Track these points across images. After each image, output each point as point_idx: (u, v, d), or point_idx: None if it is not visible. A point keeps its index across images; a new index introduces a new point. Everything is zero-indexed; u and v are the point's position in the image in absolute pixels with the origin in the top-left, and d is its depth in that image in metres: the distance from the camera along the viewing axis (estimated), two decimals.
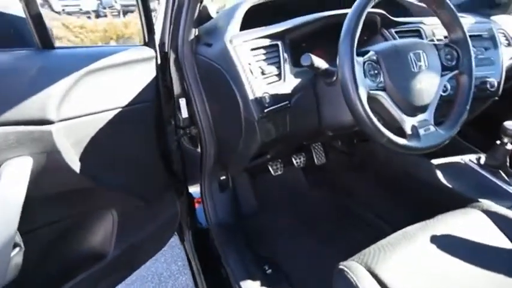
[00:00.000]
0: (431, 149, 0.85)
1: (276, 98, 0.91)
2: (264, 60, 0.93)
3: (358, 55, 0.80)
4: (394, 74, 0.81)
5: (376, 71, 0.80)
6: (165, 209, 1.25)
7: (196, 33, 1.09)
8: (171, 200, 1.26)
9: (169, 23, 1.09)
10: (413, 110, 0.84)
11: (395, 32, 1.16)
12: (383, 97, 0.81)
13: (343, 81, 0.75)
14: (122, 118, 0.95)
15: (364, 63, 0.79)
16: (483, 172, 1.19)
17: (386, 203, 1.52)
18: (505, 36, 1.39)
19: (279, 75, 0.94)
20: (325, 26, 1.06)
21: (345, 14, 1.07)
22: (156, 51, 1.03)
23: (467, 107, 0.91)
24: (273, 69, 0.94)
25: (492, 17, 1.56)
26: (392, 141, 0.79)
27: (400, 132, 0.84)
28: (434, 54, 0.88)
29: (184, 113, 1.19)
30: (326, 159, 1.80)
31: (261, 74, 0.91)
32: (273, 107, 0.90)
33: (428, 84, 0.85)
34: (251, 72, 0.89)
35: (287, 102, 0.93)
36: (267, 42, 0.96)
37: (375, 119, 0.76)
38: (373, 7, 1.11)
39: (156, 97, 1.02)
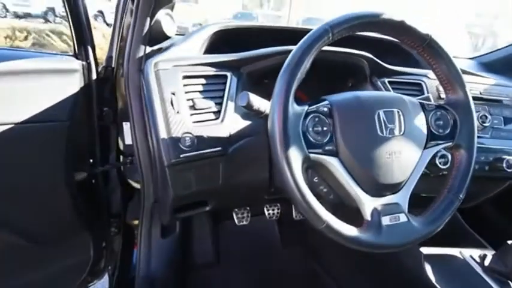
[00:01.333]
0: (396, 249, 0.60)
1: (204, 142, 0.70)
2: (200, 92, 0.74)
3: (303, 103, 0.58)
4: (351, 135, 0.59)
5: (325, 128, 0.58)
6: (69, 253, 1.03)
7: (147, 51, 0.93)
8: (82, 242, 1.05)
9: (117, 36, 0.93)
10: (378, 188, 0.61)
11: (390, 83, 0.94)
12: (333, 165, 0.58)
13: (270, 134, 0.54)
14: (26, 135, 0.78)
15: (307, 114, 0.57)
16: (485, 277, 0.90)
17: (359, 283, 1.23)
18: None
19: (217, 113, 0.74)
20: None
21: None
22: (89, 64, 0.86)
23: (461, 196, 0.66)
24: (210, 105, 0.74)
25: None
26: (334, 230, 0.55)
27: (356, 217, 0.61)
28: (418, 117, 0.64)
29: (128, 140, 1.01)
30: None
31: (188, 109, 0.71)
32: (196, 153, 0.69)
33: (404, 157, 0.61)
34: (171, 104, 0.69)
35: (220, 148, 0.71)
36: (211, 71, 0.77)
37: (306, 193, 0.53)
38: (359, 48, 0.92)
39: (75, 116, 0.84)
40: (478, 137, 0.94)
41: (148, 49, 0.92)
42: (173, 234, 1.20)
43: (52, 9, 7.13)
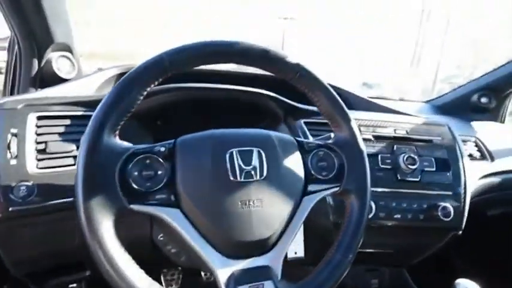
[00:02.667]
0: None
1: (50, 192, 0.58)
2: (60, 134, 0.64)
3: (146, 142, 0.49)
4: (194, 181, 0.47)
5: (159, 172, 0.47)
6: None
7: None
8: None
9: (9, 78, 0.86)
10: (237, 248, 0.48)
11: (307, 124, 0.86)
12: (173, 219, 0.46)
13: (76, 177, 0.43)
14: None
15: (133, 155, 0.46)
16: None
17: None
18: (477, 147, 1.03)
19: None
20: (188, 101, 0.79)
21: (217, 89, 0.82)
22: None
23: (351, 256, 0.53)
24: (70, 148, 0.64)
25: (474, 123, 1.24)
26: None
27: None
28: (291, 158, 0.54)
29: None
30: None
31: (35, 153, 0.61)
32: (34, 206, 0.57)
33: (267, 207, 0.49)
34: (8, 147, 0.59)
35: (73, 199, 0.60)
36: (79, 111, 0.68)
37: (115, 255, 0.40)
38: (275, 87, 0.84)
39: None
40: (407, 181, 0.83)
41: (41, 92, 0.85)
42: None
43: None
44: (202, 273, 1.28)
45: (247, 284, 0.46)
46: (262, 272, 0.48)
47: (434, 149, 0.87)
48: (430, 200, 0.83)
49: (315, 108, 0.89)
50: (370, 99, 1.13)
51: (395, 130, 0.88)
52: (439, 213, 0.80)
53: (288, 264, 0.55)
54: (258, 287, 0.46)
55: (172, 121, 0.81)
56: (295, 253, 0.79)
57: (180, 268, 1.26)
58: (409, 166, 0.82)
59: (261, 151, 0.50)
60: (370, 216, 0.77)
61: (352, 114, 0.90)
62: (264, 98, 0.81)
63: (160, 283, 1.18)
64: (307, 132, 0.84)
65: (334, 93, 0.56)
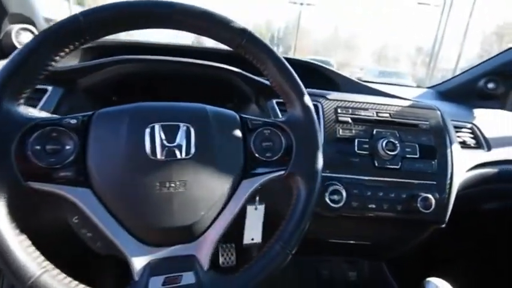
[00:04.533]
0: None
1: None
2: None
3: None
4: (106, 157, 0.42)
5: (67, 147, 0.42)
6: None
7: None
8: None
9: None
10: (158, 234, 0.43)
11: (279, 104, 0.79)
12: (82, 200, 0.41)
13: None
14: None
15: (36, 127, 0.41)
16: None
17: None
18: (473, 134, 0.94)
19: None
20: (146, 76, 0.73)
21: (176, 62, 0.75)
22: None
23: (290, 249, 0.47)
24: None
25: (477, 110, 1.14)
26: None
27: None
28: (228, 136, 0.48)
29: None
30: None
31: None
32: None
33: (193, 190, 0.44)
34: None
35: None
36: None
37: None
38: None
39: None
40: (386, 169, 0.76)
41: None
42: None
43: None
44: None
45: (162, 275, 0.41)
46: (184, 262, 0.43)
47: (420, 134, 0.79)
48: (410, 190, 0.75)
49: None
50: (359, 81, 1.05)
51: (377, 113, 0.80)
52: (418, 205, 0.73)
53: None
54: (176, 278, 0.41)
55: (129, 98, 0.76)
56: (252, 239, 0.74)
57: None
58: (388, 152, 0.74)
59: (190, 127, 0.45)
60: (339, 205, 0.71)
61: (330, 95, 0.84)
62: (230, 75, 0.75)
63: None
64: (280, 114, 0.78)
65: (286, 62, 0.50)
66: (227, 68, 0.74)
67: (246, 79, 0.75)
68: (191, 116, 0.46)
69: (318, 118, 0.78)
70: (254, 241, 0.76)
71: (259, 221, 0.74)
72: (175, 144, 0.43)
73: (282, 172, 0.49)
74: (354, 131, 0.77)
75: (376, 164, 0.75)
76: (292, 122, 0.50)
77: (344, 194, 0.71)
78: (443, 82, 1.48)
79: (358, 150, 0.76)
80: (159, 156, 0.42)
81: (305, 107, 0.50)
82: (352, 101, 0.81)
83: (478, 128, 0.95)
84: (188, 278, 0.42)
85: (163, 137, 0.43)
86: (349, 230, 0.82)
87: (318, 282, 0.94)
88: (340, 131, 0.77)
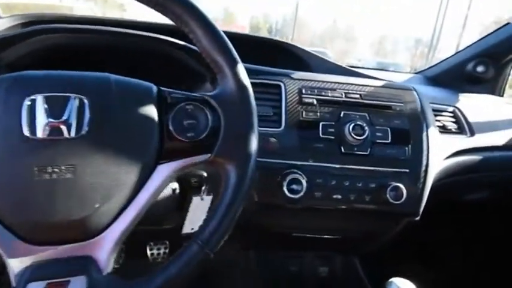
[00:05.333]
0: None
1: None
2: None
3: None
4: None
5: None
6: None
7: None
8: None
9: None
10: (39, 231, 0.35)
11: None
12: None
13: None
14: None
15: None
16: None
17: None
18: (455, 118, 0.85)
19: None
20: (84, 49, 0.64)
21: (112, 33, 0.67)
22: None
23: (209, 250, 0.39)
24: None
25: (463, 94, 1.05)
26: None
27: None
28: (137, 111, 0.39)
29: None
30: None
31: None
32: None
33: (94, 177, 0.36)
34: None
35: None
36: None
37: None
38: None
39: None
40: (353, 155, 0.68)
41: None
42: None
43: None
44: (149, 252, 1.19)
45: (45, 281, 0.33)
46: (75, 265, 0.35)
47: (393, 117, 0.71)
48: (380, 179, 0.68)
49: (255, 67, 0.74)
50: (334, 62, 0.96)
51: (346, 94, 0.72)
52: (388, 195, 0.65)
53: None
54: (62, 284, 0.33)
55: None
56: (192, 229, 0.67)
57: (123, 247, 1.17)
58: (356, 137, 0.66)
59: (84, 99, 0.36)
60: (299, 195, 0.63)
61: (294, 74, 0.75)
62: (174, 49, 0.66)
63: None
64: None
65: (213, 23, 0.41)
66: (168, 40, 0.65)
67: (195, 54, 0.67)
68: (87, 87, 0.37)
69: (280, 99, 0.70)
70: (193, 231, 0.69)
71: (203, 213, 0.67)
72: (61, 120, 0.35)
73: (208, 155, 0.41)
74: (318, 114, 0.69)
75: (343, 150, 0.67)
76: (222, 97, 0.42)
77: (304, 183, 0.64)
78: (430, 67, 1.39)
79: (322, 134, 0.68)
80: (39, 134, 0.34)
81: (237, 79, 0.42)
82: (319, 81, 0.73)
83: (460, 112, 0.87)
84: (77, 283, 0.34)
85: (46, 111, 0.35)
86: (314, 223, 0.74)
87: (287, 279, 0.87)
88: (304, 113, 0.69)
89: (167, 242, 1.21)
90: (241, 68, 0.42)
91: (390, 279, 0.63)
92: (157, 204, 0.48)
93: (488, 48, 1.18)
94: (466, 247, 1.02)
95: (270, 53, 0.93)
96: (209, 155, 0.41)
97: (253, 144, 0.42)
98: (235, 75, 0.42)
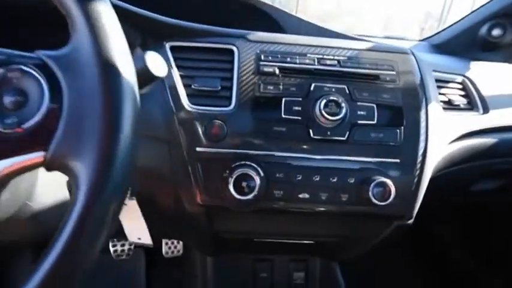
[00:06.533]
0: None
1: None
2: None
3: None
4: None
5: None
6: None
7: None
8: None
9: None
10: None
11: (175, 50, 0.53)
12: None
13: None
14: None
15: None
16: None
17: None
18: (464, 90, 0.68)
19: None
20: None
21: None
22: None
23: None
24: None
25: (475, 62, 0.86)
26: None
27: None
28: None
29: None
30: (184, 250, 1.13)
31: None
32: None
33: None
34: None
35: None
36: None
37: None
38: None
39: None
40: (326, 141, 0.51)
41: None
42: None
43: None
44: (111, 249, 1.07)
45: None
46: None
47: (381, 90, 0.54)
48: (361, 173, 0.51)
49: (200, 26, 0.57)
50: (313, 23, 0.78)
51: (319, 60, 0.55)
52: (371, 193, 0.49)
53: None
54: None
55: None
56: (139, 238, 0.53)
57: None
58: (330, 117, 0.49)
59: None
60: (249, 196, 0.47)
61: (251, 35, 0.58)
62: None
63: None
64: (173, 64, 0.53)
65: None
66: None
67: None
68: None
69: (231, 69, 0.53)
70: (142, 241, 0.55)
71: (138, 218, 0.52)
72: None
73: (41, 155, 0.25)
74: (281, 87, 0.52)
75: (312, 135, 0.51)
76: (70, 59, 0.26)
77: (258, 180, 0.48)
78: (438, 32, 1.19)
79: (285, 114, 0.51)
80: None
81: (95, 27, 0.25)
82: (284, 43, 0.56)
83: (472, 83, 0.69)
84: None
85: None
86: (278, 227, 0.59)
87: (254, 286, 0.73)
88: (261, 86, 0.52)
89: None
90: (104, 11, 0.25)
91: None
92: None
93: (506, 7, 0.97)
94: (471, 251, 0.87)
95: (234, 13, 0.75)
96: (43, 153, 0.25)
97: (121, 133, 0.25)
98: (92, 21, 0.25)
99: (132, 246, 1.07)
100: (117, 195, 0.26)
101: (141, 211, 0.52)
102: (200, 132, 0.50)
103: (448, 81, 0.66)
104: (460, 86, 0.67)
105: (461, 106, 0.65)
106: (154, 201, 0.57)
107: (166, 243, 1.12)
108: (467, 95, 0.67)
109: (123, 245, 1.07)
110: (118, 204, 0.26)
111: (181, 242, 1.13)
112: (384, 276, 0.93)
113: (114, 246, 1.06)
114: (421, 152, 0.53)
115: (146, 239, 0.53)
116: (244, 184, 0.48)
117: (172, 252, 1.13)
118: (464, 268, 0.96)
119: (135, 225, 0.52)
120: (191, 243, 0.75)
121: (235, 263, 0.74)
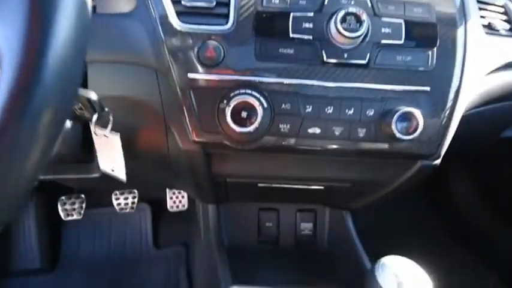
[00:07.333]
0: None
1: None
2: None
3: None
4: None
5: None
6: None
7: None
8: None
9: None
10: None
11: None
12: None
13: None
14: None
15: None
16: None
17: None
18: (506, 14, 0.57)
19: None
20: None
21: None
22: None
23: None
24: None
25: None
26: None
27: None
28: None
29: None
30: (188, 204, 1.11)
31: None
32: None
33: None
34: None
35: None
36: None
37: None
38: None
39: None
40: (341, 65, 0.43)
41: None
42: None
43: None
44: (115, 202, 1.04)
45: None
46: None
47: (411, 3, 0.44)
48: (383, 103, 0.43)
49: None
50: None
51: None
52: (394, 126, 0.42)
53: None
54: None
55: None
56: (113, 170, 0.48)
57: (83, 196, 1.02)
58: (349, 34, 0.41)
59: None
60: (250, 128, 0.41)
61: None
62: None
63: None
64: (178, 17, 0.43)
65: None
66: None
67: None
68: None
69: None
70: (115, 173, 0.49)
71: (118, 152, 0.46)
72: None
73: None
74: (288, 0, 0.43)
75: (326, 58, 0.43)
76: None
77: (260, 110, 0.40)
78: None
79: (293, 33, 0.42)
80: None
81: None
82: None
83: None
84: None
85: None
86: (285, 169, 0.52)
87: (259, 236, 0.69)
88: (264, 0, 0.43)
89: (135, 191, 1.06)
90: None
91: (380, 260, 0.42)
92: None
93: None
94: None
95: None
96: None
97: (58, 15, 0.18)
98: None
99: (136, 200, 1.05)
100: (51, 99, 0.19)
101: (128, 152, 0.46)
102: (192, 55, 0.42)
103: (487, 3, 0.56)
104: (502, 10, 0.57)
105: (502, 32, 0.55)
106: (145, 139, 0.51)
107: (171, 198, 1.10)
108: (509, 20, 0.56)
109: (126, 198, 1.04)
110: (53, 113, 0.20)
111: (185, 196, 1.10)
112: (397, 231, 0.88)
113: (117, 199, 1.03)
114: (456, 79, 0.44)
115: (119, 172, 0.48)
116: (244, 114, 0.40)
117: (177, 206, 1.11)
118: (481, 224, 0.91)
119: (111, 157, 0.46)
120: (189, 190, 0.70)
121: (240, 213, 0.70)
